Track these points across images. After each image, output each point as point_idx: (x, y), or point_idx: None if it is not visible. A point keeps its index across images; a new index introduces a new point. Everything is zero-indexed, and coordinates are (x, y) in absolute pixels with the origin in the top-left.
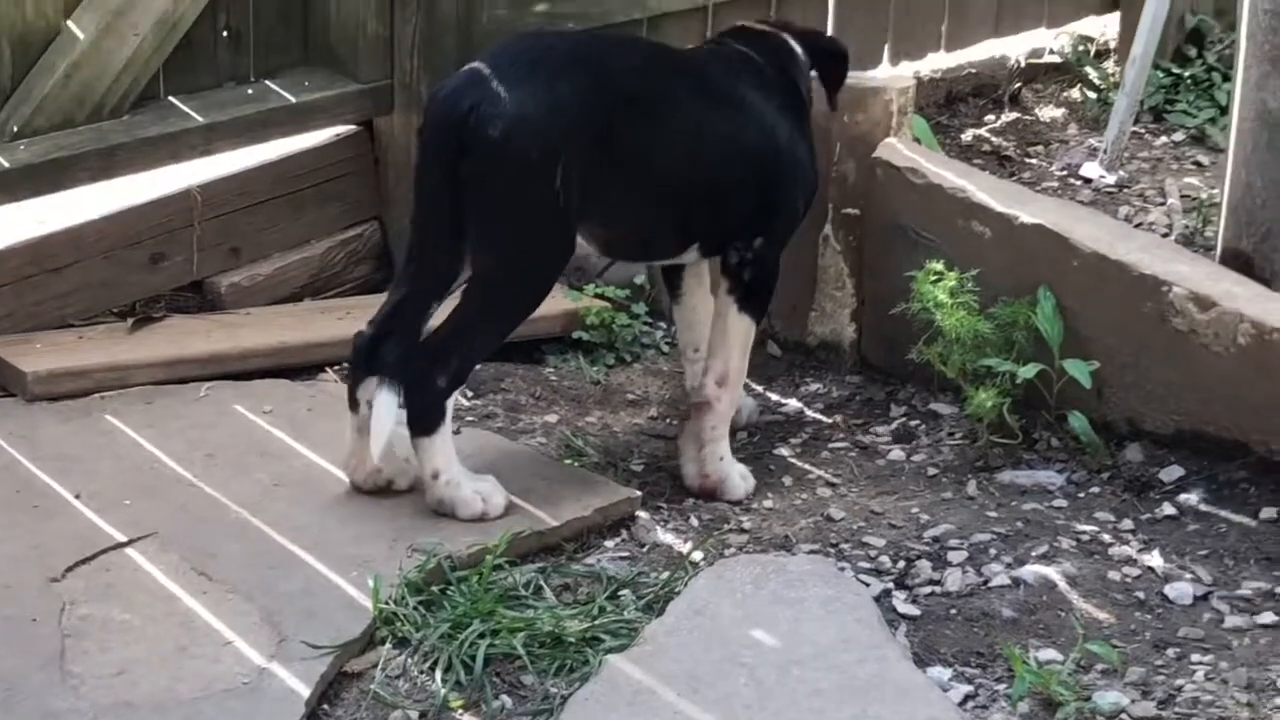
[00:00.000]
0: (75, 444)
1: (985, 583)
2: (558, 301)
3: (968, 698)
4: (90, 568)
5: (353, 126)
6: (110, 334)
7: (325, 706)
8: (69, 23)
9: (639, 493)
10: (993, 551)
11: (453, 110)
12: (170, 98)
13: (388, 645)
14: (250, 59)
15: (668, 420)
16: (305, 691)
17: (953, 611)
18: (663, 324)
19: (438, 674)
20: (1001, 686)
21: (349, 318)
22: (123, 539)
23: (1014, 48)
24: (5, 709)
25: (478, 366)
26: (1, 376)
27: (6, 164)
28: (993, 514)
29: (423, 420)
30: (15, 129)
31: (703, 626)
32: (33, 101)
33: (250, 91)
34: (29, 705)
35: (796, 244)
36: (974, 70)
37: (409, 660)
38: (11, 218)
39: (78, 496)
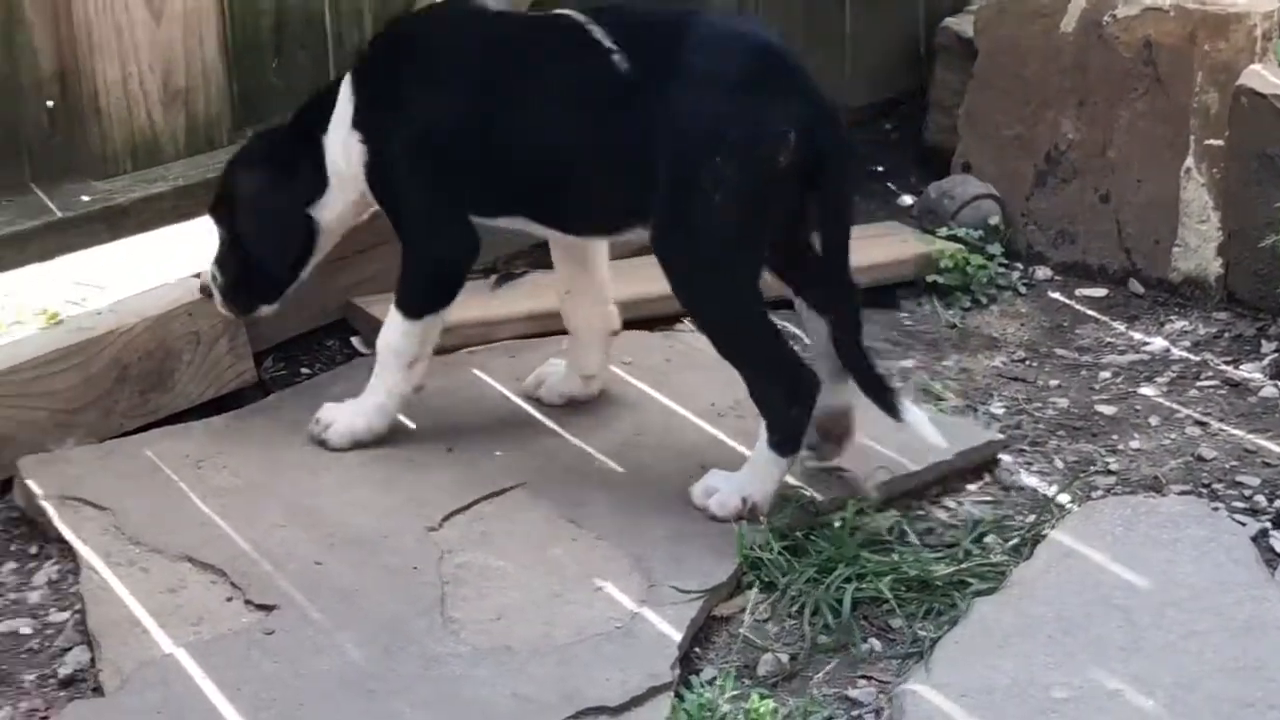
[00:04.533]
0: (446, 398)
1: None
2: (910, 245)
3: None
4: (465, 517)
5: None
6: (475, 291)
7: (696, 649)
8: None
9: (1001, 435)
10: None
11: None
12: None
13: (755, 590)
14: None
15: (1026, 362)
16: (676, 635)
17: None
18: (1019, 265)
19: (805, 618)
20: None
21: None
22: (495, 489)
23: None
24: (390, 653)
25: None
26: (373, 336)
27: None
28: None
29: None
30: None
31: (1072, 569)
32: None
33: None
34: (412, 649)
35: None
36: None
37: (776, 604)
38: None
39: (450, 448)
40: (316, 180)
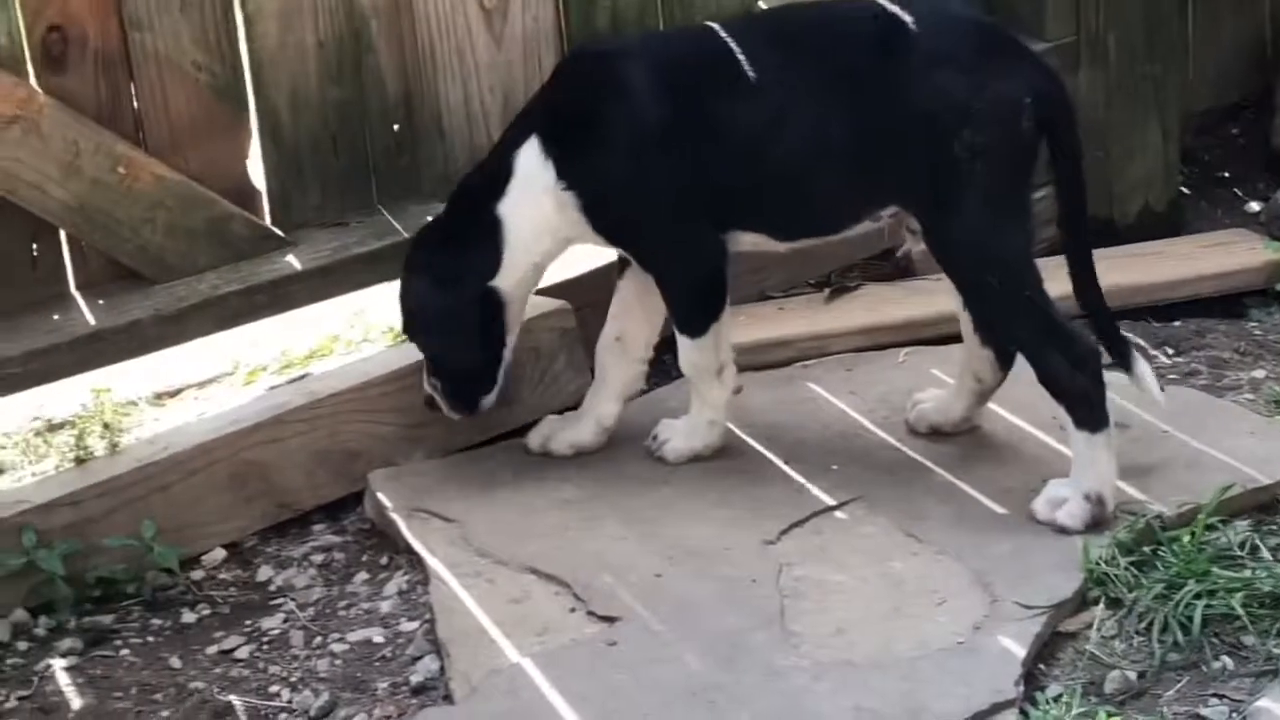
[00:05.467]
0: (781, 411)
1: None
2: (1259, 253)
3: None
4: (803, 530)
5: None
6: (808, 304)
7: (1041, 666)
8: None
9: None
10: None
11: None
12: None
13: (1101, 606)
14: None
15: None
16: (1021, 651)
17: None
18: None
19: (1154, 634)
20: None
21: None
22: (832, 502)
23: None
24: (731, 665)
25: (1176, 324)
26: None
27: None
28: None
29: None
30: None
31: None
32: None
33: None
34: (753, 661)
35: None
36: None
37: (1123, 621)
38: None
39: (787, 462)
40: (491, 255)
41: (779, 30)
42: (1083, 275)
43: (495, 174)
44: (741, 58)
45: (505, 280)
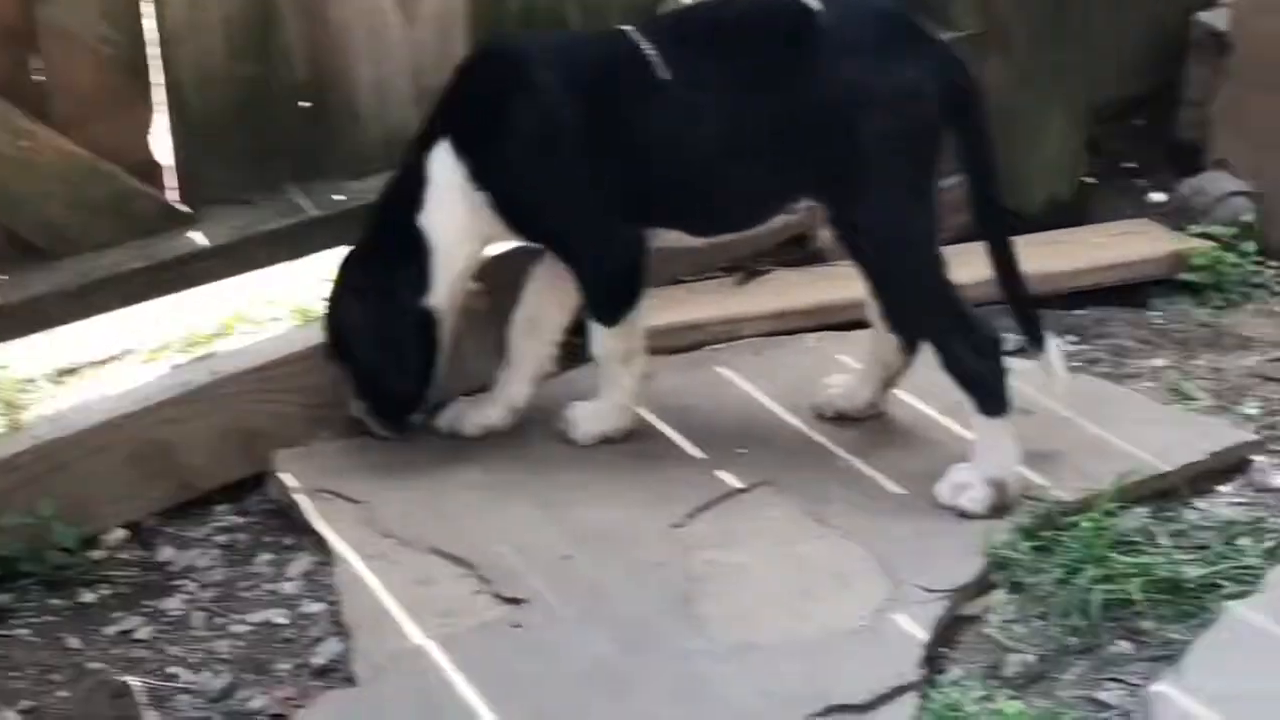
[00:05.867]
0: (691, 395)
1: None
2: (1162, 243)
3: None
4: (710, 514)
5: None
6: (719, 288)
7: (943, 649)
8: None
9: (1255, 436)
10: None
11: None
12: None
13: (1001, 590)
14: None
15: None
16: (923, 634)
17: None
18: (1274, 262)
19: (1053, 618)
20: None
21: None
22: (740, 486)
23: None
24: (638, 648)
25: (1079, 312)
26: None
27: None
28: None
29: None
30: None
31: None
32: None
33: None
34: (660, 645)
35: None
36: None
37: (1023, 605)
38: None
39: (696, 445)
40: (420, 272)
41: (689, 28)
42: (1000, 259)
43: (411, 183)
44: (651, 56)
45: (438, 297)
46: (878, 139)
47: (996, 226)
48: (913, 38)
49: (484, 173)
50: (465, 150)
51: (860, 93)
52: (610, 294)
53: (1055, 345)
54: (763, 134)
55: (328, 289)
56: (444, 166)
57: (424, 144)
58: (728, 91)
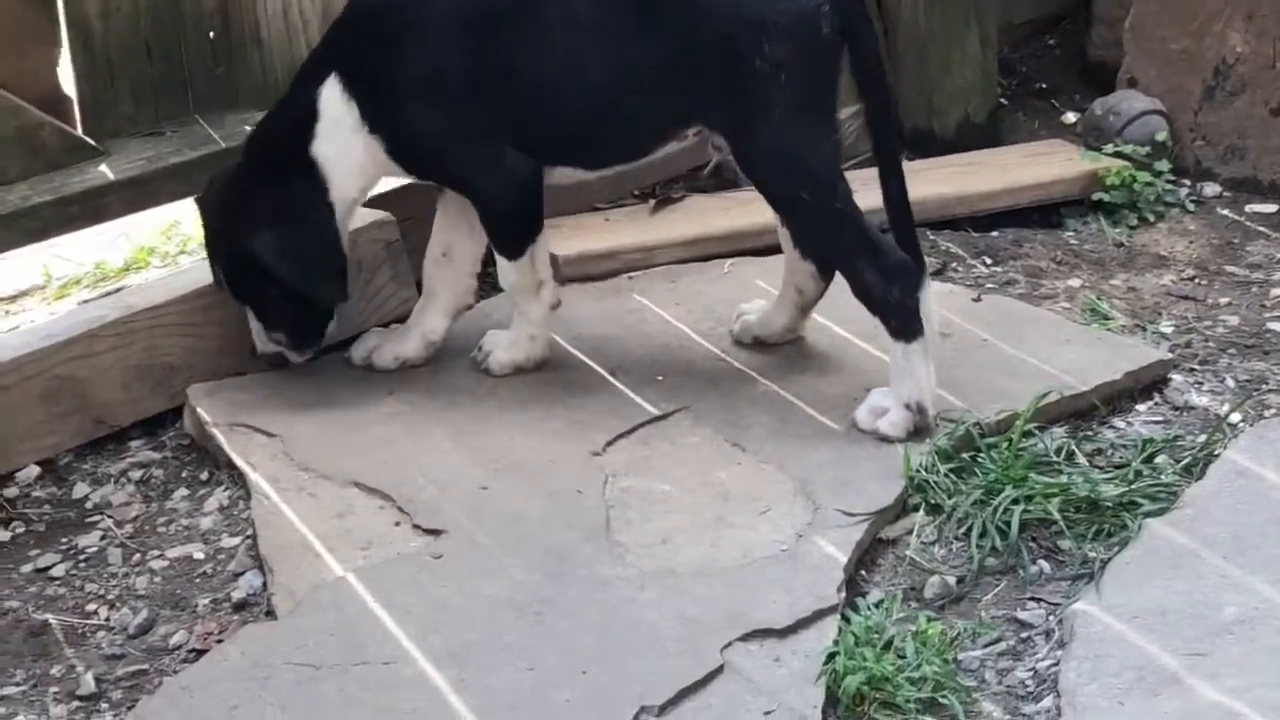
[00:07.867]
0: (607, 323)
1: None
2: (1075, 163)
3: None
4: (629, 441)
5: None
6: (634, 216)
7: (862, 573)
8: None
9: (1170, 355)
10: None
11: None
12: None
13: (921, 512)
14: None
15: (1195, 280)
16: (842, 558)
17: None
18: (1186, 181)
19: (973, 540)
20: None
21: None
22: (657, 413)
23: None
24: (557, 576)
25: (994, 233)
26: None
27: None
28: None
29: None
30: None
31: (1246, 489)
32: None
33: None
34: (579, 573)
35: None
36: None
37: (943, 527)
38: None
39: (613, 373)
40: (319, 195)
41: None
42: (890, 185)
43: (300, 115)
44: None
45: (337, 221)
46: (771, 67)
47: (887, 151)
48: None
49: (375, 117)
50: (356, 92)
51: (751, 19)
52: (510, 229)
53: (931, 295)
54: (644, 65)
55: (211, 230)
56: (335, 103)
57: (312, 77)
58: (606, 24)
